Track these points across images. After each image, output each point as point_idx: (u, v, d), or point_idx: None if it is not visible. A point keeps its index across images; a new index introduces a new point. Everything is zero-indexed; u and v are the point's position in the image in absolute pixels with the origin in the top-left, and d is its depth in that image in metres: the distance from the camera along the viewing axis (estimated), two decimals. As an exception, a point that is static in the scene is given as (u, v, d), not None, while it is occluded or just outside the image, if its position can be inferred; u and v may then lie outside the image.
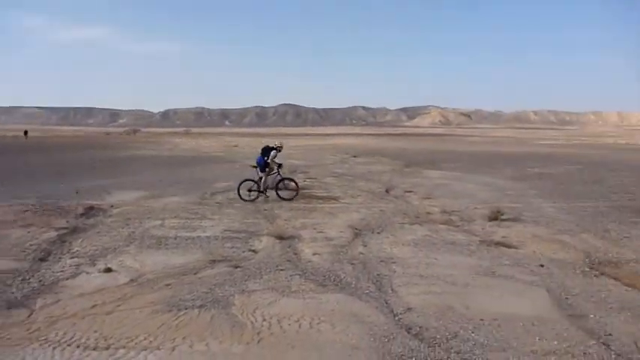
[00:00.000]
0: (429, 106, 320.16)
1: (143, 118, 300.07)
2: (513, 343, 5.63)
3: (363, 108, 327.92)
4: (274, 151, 15.32)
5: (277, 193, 15.30)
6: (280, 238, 10.19)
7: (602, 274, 8.27)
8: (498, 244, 10.01)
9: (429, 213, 13.23)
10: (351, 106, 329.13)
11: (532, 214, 13.04)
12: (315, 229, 11.21)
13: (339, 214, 13.02)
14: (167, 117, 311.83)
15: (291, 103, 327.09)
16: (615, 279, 8.01)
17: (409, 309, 6.56)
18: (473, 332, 5.87)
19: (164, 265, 8.42)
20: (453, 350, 5.44)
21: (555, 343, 5.64)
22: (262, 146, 15.78)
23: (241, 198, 15.09)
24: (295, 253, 9.19)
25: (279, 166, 15.55)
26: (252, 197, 15.14)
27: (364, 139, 69.85)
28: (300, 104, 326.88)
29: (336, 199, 15.61)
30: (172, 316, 6.23)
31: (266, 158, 15.31)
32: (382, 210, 13.63)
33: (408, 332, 5.86)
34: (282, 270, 8.15)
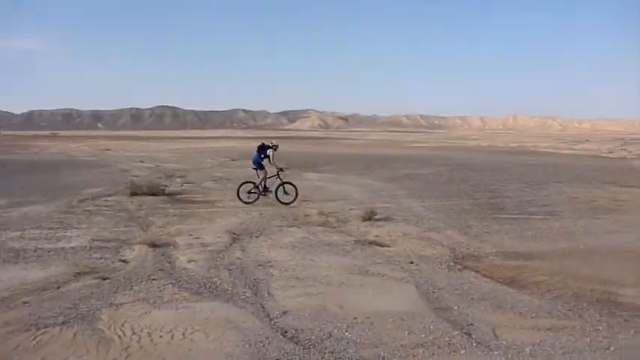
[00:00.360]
0: (309, 109, 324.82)
1: (2, 119, 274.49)
2: (385, 338, 5.84)
3: (244, 111, 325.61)
4: (271, 150, 15.00)
5: (277, 197, 15.17)
6: (154, 245, 9.79)
7: (465, 267, 8.86)
8: (372, 243, 10.38)
9: (306, 215, 13.41)
10: (231, 108, 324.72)
11: (403, 214, 13.69)
12: (191, 235, 10.92)
13: (217, 218, 12.80)
14: (31, 119, 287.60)
15: (169, 105, 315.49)
16: (476, 272, 8.62)
17: (285, 312, 6.58)
18: (347, 331, 6.00)
19: (22, 280, 7.73)
20: (327, 350, 5.52)
21: (423, 336, 5.92)
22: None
23: (241, 200, 15.04)
24: (169, 262, 8.88)
25: (281, 170, 15.35)
26: (252, 199, 15.10)
27: (245, 142, 69.41)
28: (179, 106, 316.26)
29: (214, 203, 15.34)
30: (30, 336, 5.72)
31: (262, 156, 15.03)
32: (261, 213, 13.60)
33: (284, 336, 5.87)
34: (154, 280, 7.83)
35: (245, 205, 14.86)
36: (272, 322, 6.25)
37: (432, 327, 6.15)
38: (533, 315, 6.67)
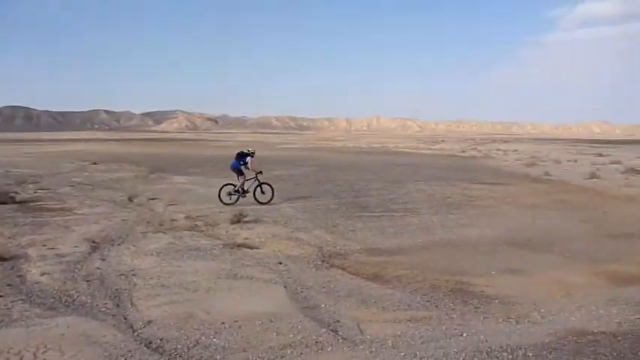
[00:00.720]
0: (176, 110, 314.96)
1: None
2: (253, 341, 5.81)
3: (106, 112, 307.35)
4: (249, 157, 15.93)
5: (255, 197, 15.90)
6: (1, 259, 8.91)
7: (332, 265, 9.11)
8: (241, 245, 10.31)
9: (173, 220, 13.00)
10: (92, 109, 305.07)
11: (273, 215, 13.77)
12: (45, 245, 10.09)
13: (75, 227, 11.97)
14: None
15: (19, 105, 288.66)
16: (343, 269, 8.90)
17: (149, 322, 6.30)
18: (214, 337, 5.89)
19: None
20: (194, 359, 5.38)
21: (291, 336, 5.98)
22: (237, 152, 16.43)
23: (222, 202, 15.43)
24: (19, 275, 8.13)
25: (260, 173, 16.18)
26: (233, 200, 15.59)
27: (107, 144, 65.75)
28: (32, 106, 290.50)
29: (71, 210, 14.34)
30: None
31: (241, 163, 15.89)
32: (124, 219, 12.95)
33: (148, 347, 5.62)
34: (1, 297, 7.12)
35: (225, 205, 15.24)
36: (135, 334, 5.96)
37: (299, 326, 6.23)
38: (395, 308, 7.02)
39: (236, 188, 15.80)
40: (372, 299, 7.34)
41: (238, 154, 16.16)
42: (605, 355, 5.43)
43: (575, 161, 37.91)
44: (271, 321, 6.37)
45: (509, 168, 32.50)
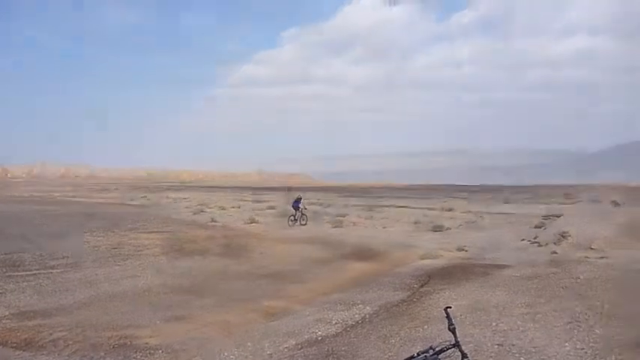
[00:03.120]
0: None
1: None
2: None
3: None
4: (301, 199, 27.70)
5: (300, 222, 26.53)
6: None
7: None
8: None
9: None
10: None
11: None
12: None
13: None
14: None
15: None
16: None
17: None
18: None
19: None
20: None
21: None
22: (294, 197, 28.26)
23: (289, 225, 25.93)
24: None
25: (305, 208, 27.57)
26: (292, 224, 26.17)
27: None
28: None
29: None
30: None
31: (299, 203, 27.12)
32: None
33: None
34: None
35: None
36: None
37: None
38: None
39: (295, 217, 26.40)
40: (21, 370, 6.60)
41: (297, 198, 27.31)
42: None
43: (239, 207, 40.94)
44: None
45: (178, 216, 33.11)
